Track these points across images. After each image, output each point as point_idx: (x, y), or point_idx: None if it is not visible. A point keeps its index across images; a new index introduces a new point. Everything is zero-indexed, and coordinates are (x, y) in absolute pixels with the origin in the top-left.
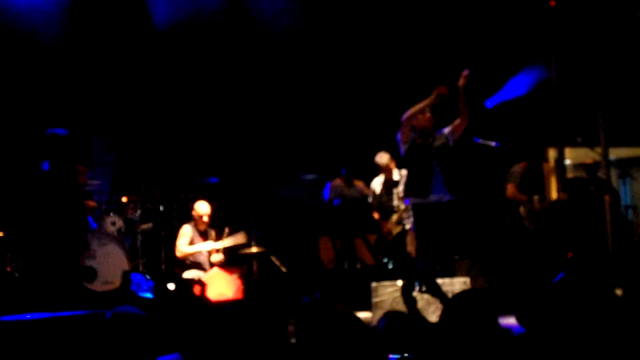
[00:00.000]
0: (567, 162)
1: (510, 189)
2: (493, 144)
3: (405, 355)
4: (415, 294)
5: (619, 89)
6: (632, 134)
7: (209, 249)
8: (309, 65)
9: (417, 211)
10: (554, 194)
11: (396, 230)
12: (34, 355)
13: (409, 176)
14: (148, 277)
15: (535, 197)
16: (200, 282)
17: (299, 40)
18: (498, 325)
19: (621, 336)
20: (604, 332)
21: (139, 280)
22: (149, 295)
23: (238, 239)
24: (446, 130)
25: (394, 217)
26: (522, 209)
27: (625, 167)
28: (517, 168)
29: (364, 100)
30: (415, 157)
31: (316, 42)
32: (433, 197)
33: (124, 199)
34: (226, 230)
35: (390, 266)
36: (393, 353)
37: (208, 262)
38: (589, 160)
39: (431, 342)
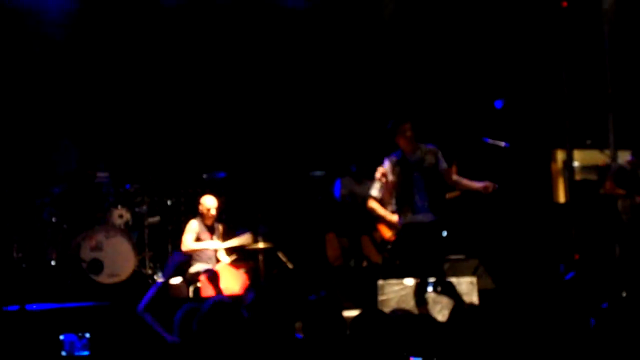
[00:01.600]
0: (576, 164)
1: (608, 184)
2: (503, 144)
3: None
4: (427, 294)
5: (629, 91)
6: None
7: (214, 248)
8: (320, 57)
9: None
10: (561, 196)
11: None
12: (40, 346)
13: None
14: (80, 335)
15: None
16: (212, 272)
17: (309, 26)
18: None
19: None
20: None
21: (71, 340)
22: (85, 353)
23: (244, 239)
24: (442, 162)
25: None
26: (620, 204)
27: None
28: (615, 164)
29: (375, 97)
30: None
31: (326, 29)
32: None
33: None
34: (220, 228)
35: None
36: (408, 353)
37: (214, 257)
38: (600, 163)
39: (439, 342)
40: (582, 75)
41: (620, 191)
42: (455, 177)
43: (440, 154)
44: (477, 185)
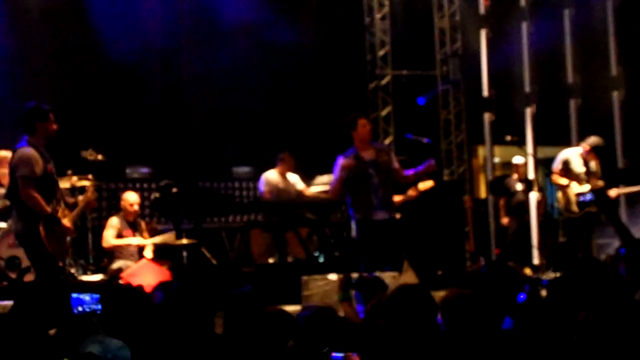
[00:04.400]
0: (496, 160)
1: (553, 175)
2: (425, 140)
3: (350, 353)
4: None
5: (548, 88)
6: (559, 133)
7: (136, 244)
8: (244, 50)
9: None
10: (482, 192)
11: None
12: None
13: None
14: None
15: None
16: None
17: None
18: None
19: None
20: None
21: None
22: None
23: (167, 237)
24: (394, 161)
25: None
26: (560, 195)
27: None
28: (564, 154)
29: (303, 93)
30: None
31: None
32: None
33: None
34: (143, 224)
35: (321, 260)
36: (322, 348)
37: (137, 254)
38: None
39: (356, 338)
40: (501, 73)
41: (563, 181)
42: (403, 173)
43: (392, 153)
44: (422, 170)
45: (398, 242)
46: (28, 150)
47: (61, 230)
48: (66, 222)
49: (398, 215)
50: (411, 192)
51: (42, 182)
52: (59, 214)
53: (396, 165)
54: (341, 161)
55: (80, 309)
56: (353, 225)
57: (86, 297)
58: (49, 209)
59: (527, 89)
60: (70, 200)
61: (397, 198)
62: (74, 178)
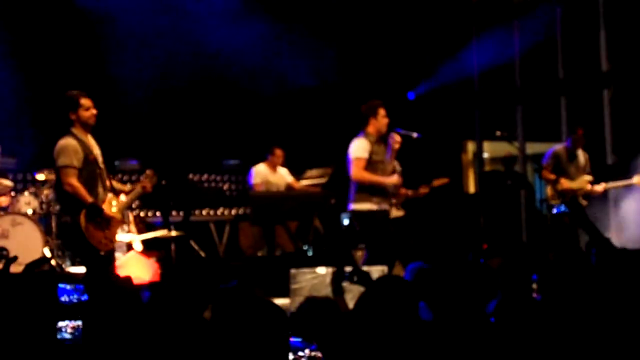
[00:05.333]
0: (486, 155)
1: (543, 171)
2: (415, 135)
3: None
4: (344, 283)
5: (537, 85)
6: (548, 130)
7: (127, 241)
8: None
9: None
10: (471, 187)
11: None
12: None
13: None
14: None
15: None
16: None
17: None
18: (416, 313)
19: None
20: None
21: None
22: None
23: (158, 232)
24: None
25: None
26: (549, 189)
27: (541, 161)
28: (552, 150)
29: (292, 86)
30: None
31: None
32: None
33: (40, 176)
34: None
35: (310, 253)
36: (298, 337)
37: (125, 245)
38: (504, 153)
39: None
40: (491, 69)
41: (551, 176)
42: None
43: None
44: (393, 155)
45: (404, 237)
46: (64, 141)
47: (105, 220)
48: (114, 211)
49: (402, 213)
50: (423, 189)
51: (83, 171)
52: (105, 203)
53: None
54: (394, 137)
55: (65, 299)
56: (346, 218)
57: (72, 288)
58: (90, 198)
59: (517, 84)
60: (126, 187)
61: (407, 192)
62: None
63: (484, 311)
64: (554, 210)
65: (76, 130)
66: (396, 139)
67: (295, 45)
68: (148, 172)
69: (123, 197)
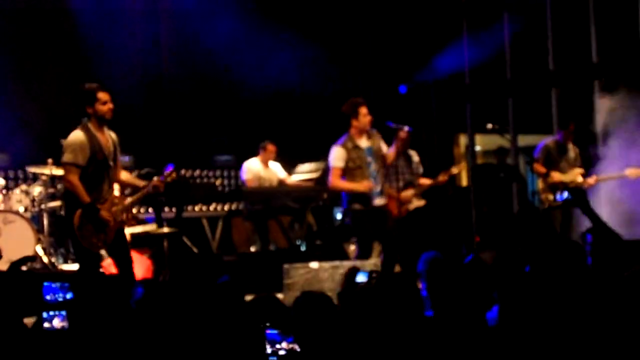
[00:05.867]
0: (478, 148)
1: (535, 165)
2: (406, 128)
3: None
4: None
5: (528, 77)
6: (540, 122)
7: None
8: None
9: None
10: (464, 180)
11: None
12: None
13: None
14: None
15: None
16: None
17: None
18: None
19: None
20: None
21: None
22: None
23: (149, 227)
24: (384, 146)
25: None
26: (540, 183)
27: (532, 154)
28: (543, 143)
29: (284, 81)
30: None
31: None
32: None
33: (31, 169)
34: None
35: (303, 248)
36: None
37: None
38: (495, 147)
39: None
40: (482, 62)
41: (542, 169)
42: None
43: (380, 137)
44: (399, 146)
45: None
46: (74, 137)
47: (101, 222)
48: (114, 210)
49: (423, 202)
50: (442, 177)
51: (88, 168)
52: (107, 203)
53: (385, 148)
54: (365, 184)
55: (50, 297)
56: (341, 214)
57: (58, 286)
58: (87, 198)
59: (508, 77)
60: (141, 183)
61: (426, 182)
62: (54, 167)
63: (483, 312)
64: (558, 198)
65: (91, 125)
66: (401, 136)
67: (287, 40)
68: (167, 172)
69: (129, 199)
